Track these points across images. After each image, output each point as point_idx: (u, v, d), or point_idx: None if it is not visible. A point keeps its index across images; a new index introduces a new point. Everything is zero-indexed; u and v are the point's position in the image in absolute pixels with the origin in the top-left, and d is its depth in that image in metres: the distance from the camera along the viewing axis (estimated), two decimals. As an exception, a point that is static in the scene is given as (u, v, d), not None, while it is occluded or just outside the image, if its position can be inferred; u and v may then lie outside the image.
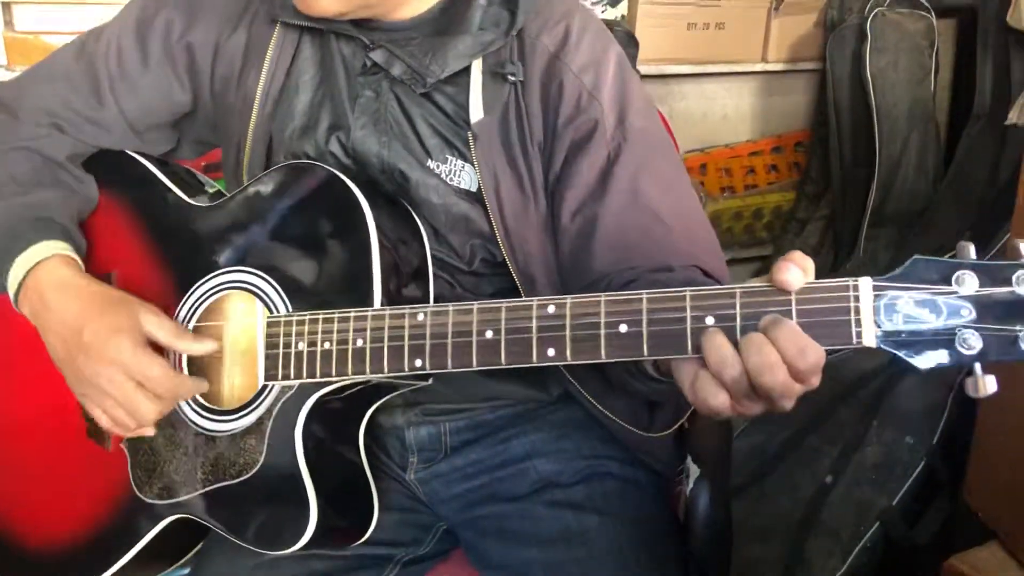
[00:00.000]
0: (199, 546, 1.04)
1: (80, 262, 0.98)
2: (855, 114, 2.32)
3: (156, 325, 0.91)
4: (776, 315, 0.67)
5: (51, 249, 0.95)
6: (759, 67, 2.46)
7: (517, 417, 1.07)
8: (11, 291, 0.96)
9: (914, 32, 2.25)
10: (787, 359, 0.65)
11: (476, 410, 1.06)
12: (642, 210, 0.93)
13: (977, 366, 0.65)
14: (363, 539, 0.94)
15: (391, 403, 0.98)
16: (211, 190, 1.11)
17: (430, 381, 0.85)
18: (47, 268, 0.94)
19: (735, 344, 0.67)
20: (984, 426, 1.39)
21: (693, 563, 1.04)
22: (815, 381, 0.67)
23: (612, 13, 2.31)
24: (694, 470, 1.08)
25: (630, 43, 2.06)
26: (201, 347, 0.93)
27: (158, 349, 0.92)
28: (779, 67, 2.46)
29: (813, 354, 0.65)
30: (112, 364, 0.88)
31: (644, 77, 1.04)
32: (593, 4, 2.22)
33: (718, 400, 0.68)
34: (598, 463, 1.03)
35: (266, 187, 0.95)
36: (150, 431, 0.94)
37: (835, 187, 2.40)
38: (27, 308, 0.95)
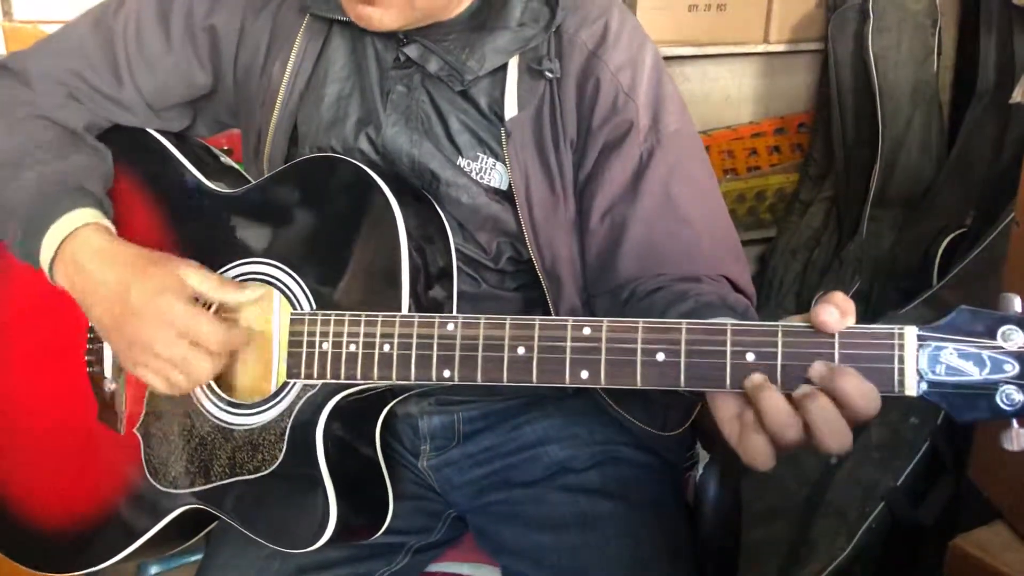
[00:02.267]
0: (211, 526, 1.04)
1: (113, 229, 0.95)
2: (858, 94, 2.30)
3: (199, 279, 0.89)
4: (838, 365, 0.66)
5: (85, 217, 0.93)
6: (761, 48, 2.44)
7: (529, 404, 1.07)
8: (45, 261, 0.93)
9: (916, 11, 2.24)
10: (855, 407, 0.64)
11: (489, 399, 1.06)
12: (672, 215, 0.92)
13: (1014, 421, 0.65)
14: (377, 534, 0.94)
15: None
16: (227, 162, 1.09)
17: (455, 384, 0.84)
18: (83, 236, 0.92)
19: (785, 390, 0.66)
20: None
21: (703, 547, 1.05)
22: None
23: (614, -5, 2.29)
24: (704, 456, 1.08)
25: (632, 25, 2.05)
26: (247, 295, 0.90)
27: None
28: (781, 48, 2.45)
29: (876, 397, 0.65)
30: (164, 324, 0.86)
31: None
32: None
33: (769, 457, 0.67)
34: (611, 448, 1.04)
35: (292, 179, 0.94)
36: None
37: (838, 168, 2.39)
38: (63, 278, 0.92)
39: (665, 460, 1.06)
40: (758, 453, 0.67)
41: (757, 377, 0.68)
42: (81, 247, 0.91)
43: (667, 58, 2.37)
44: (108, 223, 0.95)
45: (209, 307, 0.91)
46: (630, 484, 1.01)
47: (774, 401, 0.66)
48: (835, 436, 0.65)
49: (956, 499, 1.62)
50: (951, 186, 2.17)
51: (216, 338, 0.86)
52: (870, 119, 2.27)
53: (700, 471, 1.08)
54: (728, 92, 2.53)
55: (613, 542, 0.96)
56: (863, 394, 0.65)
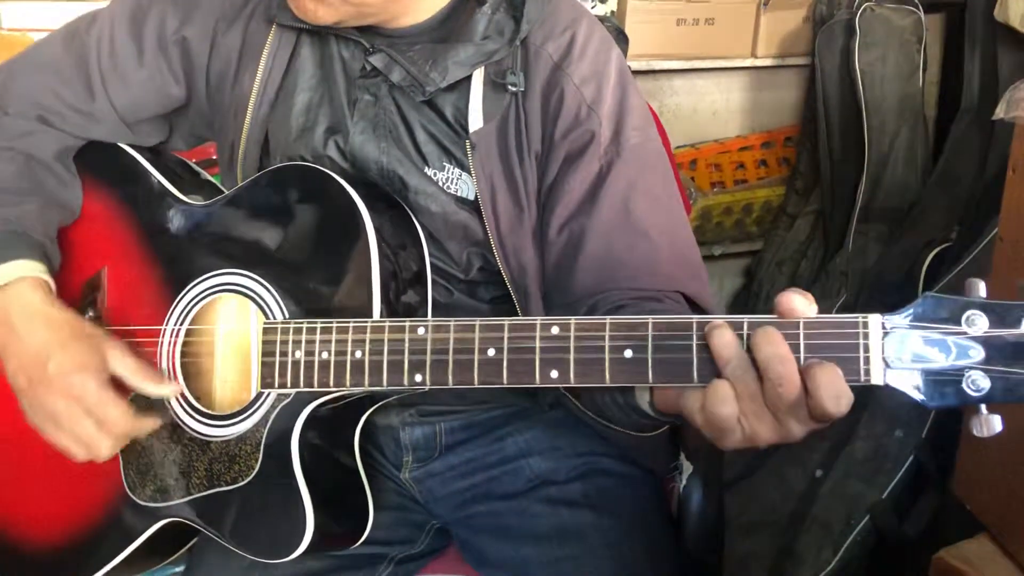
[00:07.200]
0: (193, 541, 1.03)
1: (52, 284, 0.95)
2: (844, 109, 2.32)
3: (121, 363, 0.90)
4: (818, 360, 0.65)
5: (23, 270, 0.93)
6: (748, 62, 2.46)
7: (512, 416, 1.07)
8: None
9: (902, 27, 2.26)
10: (822, 401, 0.63)
11: (471, 411, 1.06)
12: (630, 228, 0.92)
13: (983, 407, 0.64)
14: (358, 543, 0.94)
15: (386, 403, 0.98)
16: (204, 177, 1.09)
17: (427, 388, 0.85)
18: (16, 290, 0.92)
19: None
20: (973, 420, 1.40)
21: (686, 559, 1.05)
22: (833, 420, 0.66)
23: (602, 9, 2.31)
24: (687, 467, 1.08)
25: (620, 39, 2.06)
26: (163, 388, 0.92)
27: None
28: (768, 62, 2.46)
29: (847, 403, 0.64)
30: (73, 400, 0.88)
31: (634, 73, 1.03)
32: (583, 0, 2.22)
33: (727, 407, 0.66)
34: (593, 460, 1.04)
35: (263, 188, 0.94)
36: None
37: (824, 182, 2.40)
38: None
39: (648, 471, 1.06)
40: (715, 401, 0.66)
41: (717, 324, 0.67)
42: (13, 302, 0.92)
43: (655, 72, 2.39)
44: (48, 278, 0.95)
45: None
46: (612, 496, 1.01)
47: (723, 333, 0.66)
48: (778, 370, 0.64)
49: (941, 512, 1.62)
50: (936, 201, 2.18)
51: (122, 426, 0.89)
52: (856, 134, 2.28)
53: (683, 482, 1.08)
54: (716, 106, 2.55)
55: (595, 554, 0.96)
56: (836, 390, 0.63)
